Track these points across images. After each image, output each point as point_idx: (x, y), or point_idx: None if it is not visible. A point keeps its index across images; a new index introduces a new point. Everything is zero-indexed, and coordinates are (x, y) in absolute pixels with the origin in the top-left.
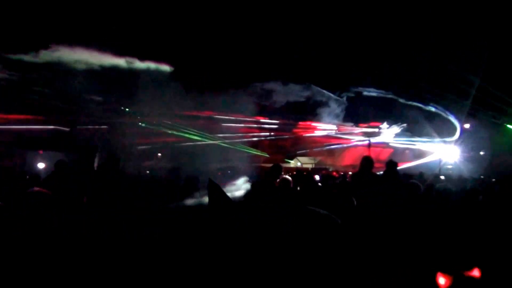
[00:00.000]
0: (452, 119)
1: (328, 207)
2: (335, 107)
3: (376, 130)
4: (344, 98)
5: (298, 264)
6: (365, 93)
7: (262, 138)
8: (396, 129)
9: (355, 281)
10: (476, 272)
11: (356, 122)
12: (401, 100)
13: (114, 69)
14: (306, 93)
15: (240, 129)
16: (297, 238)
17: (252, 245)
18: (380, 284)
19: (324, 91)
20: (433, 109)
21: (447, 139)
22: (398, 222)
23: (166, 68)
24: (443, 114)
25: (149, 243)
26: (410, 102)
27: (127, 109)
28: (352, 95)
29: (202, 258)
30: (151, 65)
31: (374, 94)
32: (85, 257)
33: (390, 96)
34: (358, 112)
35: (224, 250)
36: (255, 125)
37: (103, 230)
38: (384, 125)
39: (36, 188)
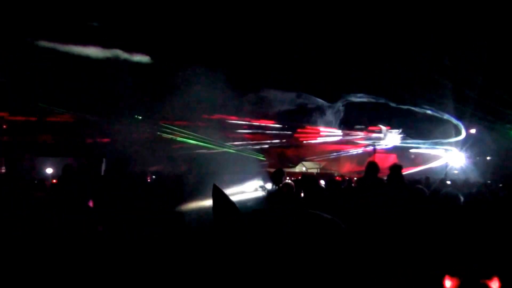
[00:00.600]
0: (454, 120)
1: (332, 210)
2: (333, 114)
3: (381, 135)
4: (341, 105)
5: (299, 265)
6: (359, 99)
7: (268, 146)
8: (396, 134)
9: (356, 282)
10: (495, 283)
11: (355, 126)
12: (403, 106)
13: (122, 75)
14: (301, 101)
15: (245, 135)
16: (297, 240)
17: (254, 247)
18: (381, 285)
19: (318, 99)
20: (430, 112)
21: (452, 139)
22: (400, 223)
23: (146, 59)
24: (443, 116)
25: (149, 244)
26: (408, 107)
27: (135, 116)
28: (345, 102)
29: (204, 260)
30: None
31: (366, 100)
32: (84, 257)
33: (383, 101)
34: (357, 118)
35: (227, 253)
36: (260, 131)
37: (104, 231)
38: (384, 129)
39: (39, 193)
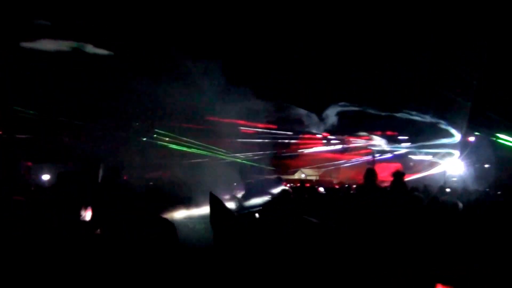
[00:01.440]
0: (443, 123)
1: (332, 212)
2: (321, 123)
3: (372, 142)
4: (329, 114)
5: (294, 266)
6: (343, 108)
7: (267, 153)
8: (384, 139)
9: (355, 281)
10: None
11: (333, 137)
12: (382, 113)
13: (122, 80)
14: (286, 112)
15: (245, 145)
16: (291, 243)
17: (251, 252)
18: (381, 285)
19: (302, 109)
20: (417, 117)
21: (444, 141)
22: (398, 225)
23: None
24: (426, 118)
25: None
26: (389, 113)
27: (136, 123)
28: (331, 111)
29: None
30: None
31: (349, 108)
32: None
33: (366, 108)
34: (345, 126)
35: (225, 258)
36: (258, 140)
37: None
38: (373, 136)
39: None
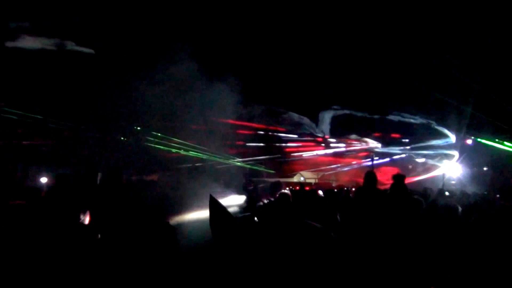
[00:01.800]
0: (435, 124)
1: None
2: (316, 127)
3: (367, 145)
4: (323, 118)
5: (293, 269)
6: (338, 112)
7: (267, 158)
8: (377, 141)
9: (356, 283)
10: None
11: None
12: (375, 116)
13: (121, 83)
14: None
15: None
16: (291, 246)
17: (250, 254)
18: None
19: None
20: (410, 119)
21: (445, 143)
22: (398, 228)
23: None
24: (417, 120)
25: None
26: (379, 116)
27: (135, 127)
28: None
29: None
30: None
31: (343, 112)
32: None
33: (362, 112)
34: (340, 129)
35: (225, 260)
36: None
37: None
38: (367, 140)
39: (17, 201)
